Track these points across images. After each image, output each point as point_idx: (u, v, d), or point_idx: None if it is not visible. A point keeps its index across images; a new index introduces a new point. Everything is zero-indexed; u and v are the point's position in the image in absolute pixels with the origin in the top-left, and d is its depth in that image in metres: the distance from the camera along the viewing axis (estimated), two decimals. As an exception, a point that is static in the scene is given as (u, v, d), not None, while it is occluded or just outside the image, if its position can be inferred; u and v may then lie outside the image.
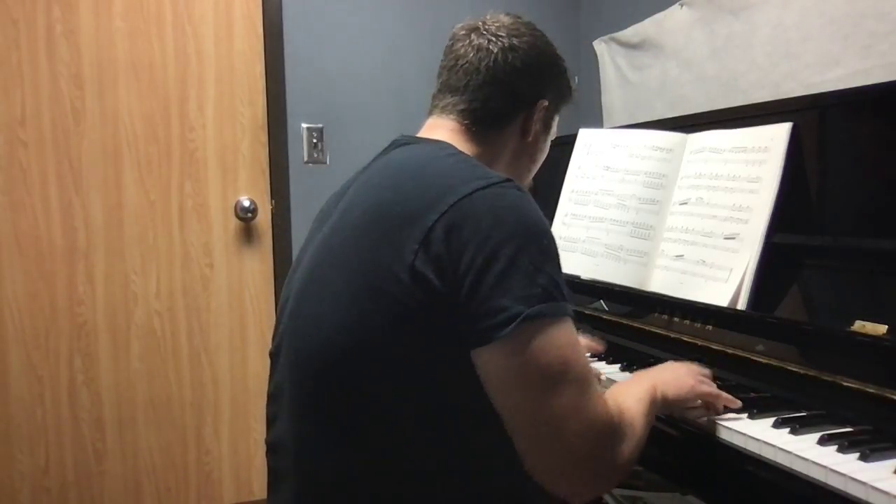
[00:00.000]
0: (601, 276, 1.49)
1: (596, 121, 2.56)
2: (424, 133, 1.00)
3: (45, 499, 2.15)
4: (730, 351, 1.16)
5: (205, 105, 2.27)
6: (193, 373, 2.30)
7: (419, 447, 0.84)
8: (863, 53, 1.56)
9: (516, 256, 0.75)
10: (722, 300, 1.19)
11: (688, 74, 2.13)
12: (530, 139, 1.02)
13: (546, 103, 1.01)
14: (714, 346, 1.20)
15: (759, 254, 1.17)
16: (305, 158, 2.40)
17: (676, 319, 1.30)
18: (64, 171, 2.13)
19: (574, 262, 1.56)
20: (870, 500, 0.76)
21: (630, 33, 2.39)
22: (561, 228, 1.63)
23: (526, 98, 0.99)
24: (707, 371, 1.05)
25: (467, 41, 0.99)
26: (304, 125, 2.39)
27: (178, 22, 2.22)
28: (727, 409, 1.00)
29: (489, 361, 0.77)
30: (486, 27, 0.99)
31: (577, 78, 1.12)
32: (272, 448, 0.98)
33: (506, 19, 1.01)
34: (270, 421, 0.98)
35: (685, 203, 1.35)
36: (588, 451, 0.77)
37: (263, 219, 2.35)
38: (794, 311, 1.11)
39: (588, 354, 1.33)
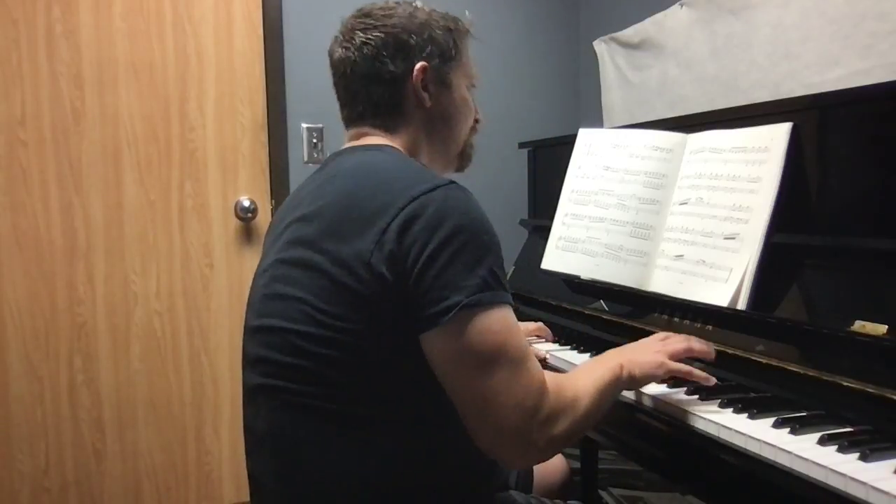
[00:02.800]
0: (601, 276, 1.49)
1: (596, 121, 2.57)
2: (355, 143, 1.06)
3: (45, 499, 2.15)
4: (730, 351, 1.16)
5: (205, 105, 2.27)
6: (193, 373, 2.30)
7: (391, 432, 0.90)
8: (863, 53, 1.56)
9: (458, 251, 0.84)
10: (722, 300, 1.19)
11: (688, 74, 2.13)
12: (430, 104, 1.04)
13: (422, 65, 1.03)
14: (714, 346, 1.20)
15: (759, 254, 1.17)
16: (305, 158, 2.40)
17: (676, 319, 1.31)
18: (64, 171, 2.13)
19: (574, 262, 1.56)
20: (870, 500, 0.76)
21: (630, 33, 2.39)
22: (561, 228, 1.63)
23: (400, 75, 1.02)
24: (680, 337, 1.09)
25: (335, 56, 1.07)
26: (304, 125, 2.39)
27: (178, 22, 2.22)
28: (705, 390, 1.05)
29: (434, 345, 0.85)
30: (345, 33, 1.06)
31: (466, 12, 1.12)
32: (251, 449, 1.03)
33: (370, 8, 1.06)
34: (248, 425, 1.02)
35: (685, 203, 1.35)
36: (516, 425, 0.84)
37: (263, 219, 2.35)
38: (794, 311, 1.11)
39: (537, 337, 1.49)
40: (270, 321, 0.95)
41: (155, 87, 2.22)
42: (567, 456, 1.44)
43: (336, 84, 1.08)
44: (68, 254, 2.15)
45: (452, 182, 0.90)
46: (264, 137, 2.35)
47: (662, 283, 1.35)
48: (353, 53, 1.03)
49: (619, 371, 0.98)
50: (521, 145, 2.14)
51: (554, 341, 1.50)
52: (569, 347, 1.46)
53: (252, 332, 1.00)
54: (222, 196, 2.31)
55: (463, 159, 1.15)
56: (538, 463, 0.92)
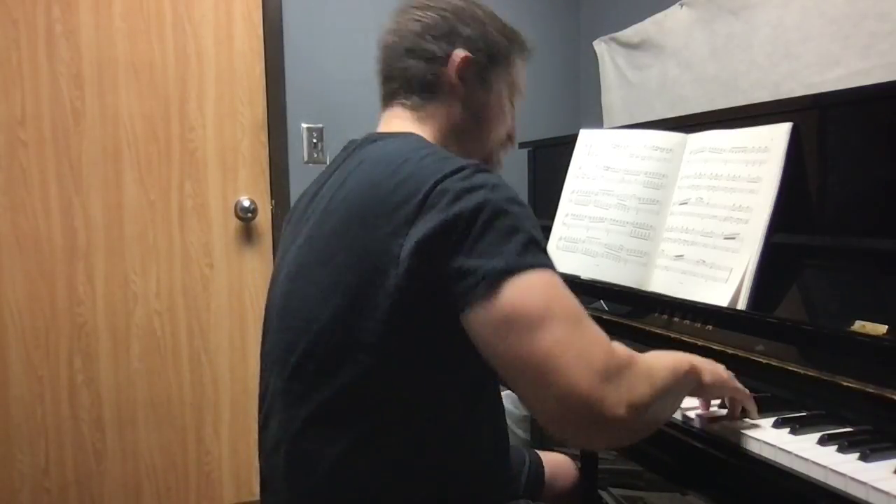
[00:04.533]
0: (601, 276, 1.49)
1: (596, 121, 2.57)
2: (384, 128, 1.03)
3: (45, 499, 2.15)
4: (730, 351, 1.16)
5: (205, 105, 2.27)
6: (193, 373, 2.30)
7: (404, 441, 0.87)
8: (863, 53, 1.56)
9: (490, 221, 0.78)
10: (722, 300, 1.19)
11: (688, 74, 2.13)
12: (462, 95, 1.01)
13: (464, 54, 1.00)
14: (714, 346, 1.20)
15: (759, 254, 1.17)
16: (305, 158, 2.40)
17: (676, 319, 1.30)
18: (64, 171, 2.13)
19: (574, 262, 1.56)
20: (870, 500, 0.76)
21: (630, 33, 2.39)
22: (561, 229, 1.63)
23: (440, 56, 1.00)
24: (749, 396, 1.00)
25: (384, 40, 1.05)
26: (304, 125, 2.39)
27: (178, 22, 2.22)
28: (744, 413, 0.98)
29: (476, 320, 0.77)
30: (399, 11, 1.04)
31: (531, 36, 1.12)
32: (264, 450, 0.99)
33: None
34: (262, 426, 1.00)
35: (685, 203, 1.35)
36: (588, 384, 0.72)
37: (263, 219, 2.35)
38: (794, 311, 1.11)
39: None
40: (292, 322, 0.91)
41: (155, 87, 2.22)
42: (571, 458, 1.43)
43: (380, 63, 1.05)
44: (68, 254, 2.15)
45: (477, 164, 0.85)
46: (264, 137, 2.35)
47: (662, 283, 1.35)
48: (402, 27, 1.02)
49: (690, 367, 0.89)
50: (521, 145, 2.14)
51: None
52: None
53: (273, 333, 0.97)
54: (222, 196, 2.31)
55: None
56: (623, 442, 0.78)
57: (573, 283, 1.60)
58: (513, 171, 2.44)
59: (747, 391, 0.97)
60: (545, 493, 1.29)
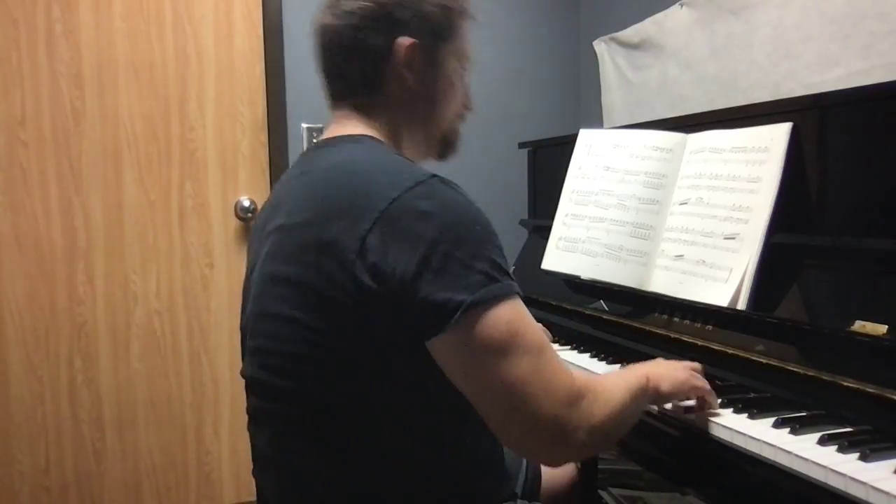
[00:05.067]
0: (601, 276, 1.49)
1: (596, 121, 2.57)
2: (335, 130, 0.99)
3: (45, 499, 2.15)
4: (730, 351, 1.16)
5: (205, 105, 2.27)
6: (193, 373, 2.30)
7: (394, 450, 0.87)
8: (863, 53, 1.56)
9: (450, 250, 0.78)
10: (722, 300, 1.19)
11: (688, 74, 2.13)
12: (414, 84, 0.97)
13: (408, 42, 0.95)
14: (714, 346, 1.20)
15: (759, 254, 1.17)
16: (305, 158, 2.40)
17: (676, 319, 1.31)
18: (64, 171, 2.13)
19: (574, 262, 1.56)
20: (870, 500, 0.76)
21: (630, 33, 2.39)
22: (561, 229, 1.63)
23: (382, 50, 0.95)
24: (699, 366, 1.08)
25: (318, 23, 0.98)
26: (304, 125, 2.39)
27: (178, 22, 2.22)
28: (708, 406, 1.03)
29: (444, 350, 0.80)
30: (333, 4, 0.97)
31: None
32: (256, 468, 1.02)
33: None
34: (254, 445, 1.02)
35: (685, 203, 1.35)
36: (552, 413, 0.79)
37: (263, 219, 2.35)
38: (794, 311, 1.11)
39: None
40: (263, 342, 0.91)
41: (155, 87, 2.22)
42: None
43: (317, 56, 1.00)
44: (68, 254, 2.15)
45: (434, 175, 0.84)
46: (264, 137, 2.35)
47: (662, 283, 1.35)
48: (339, 21, 0.95)
49: (646, 382, 0.95)
50: (521, 145, 2.14)
51: (554, 341, 1.50)
52: (569, 347, 1.46)
53: (248, 354, 0.97)
54: (222, 196, 2.31)
55: (446, 147, 1.07)
56: (582, 458, 0.86)
57: (573, 283, 1.61)
58: (513, 171, 2.44)
59: (706, 386, 1.03)
60: (543, 493, 1.29)
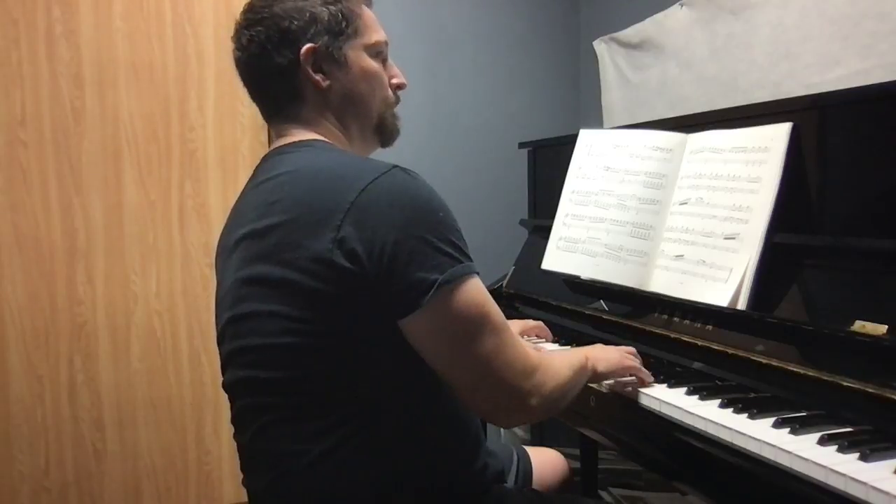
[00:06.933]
0: (601, 276, 1.49)
1: (596, 121, 2.57)
2: (283, 142, 1.03)
3: (45, 499, 2.15)
4: (730, 351, 1.16)
5: (205, 105, 2.27)
6: (193, 373, 2.30)
7: (382, 436, 0.91)
8: (863, 53, 1.57)
9: (420, 235, 0.86)
10: (722, 300, 1.19)
11: (688, 74, 2.14)
12: (327, 86, 1.01)
13: (308, 47, 0.98)
14: (714, 346, 1.20)
15: (759, 254, 1.17)
16: (305, 158, 2.40)
17: (676, 319, 1.31)
18: (64, 171, 2.13)
19: (574, 262, 1.56)
20: (870, 500, 0.76)
21: (630, 33, 2.39)
22: (561, 229, 1.63)
23: (288, 65, 0.99)
24: (633, 350, 1.20)
25: (235, 63, 1.04)
26: (304, 125, 2.39)
27: (178, 22, 2.22)
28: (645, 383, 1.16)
29: (417, 328, 0.87)
30: (235, 33, 1.03)
31: None
32: (246, 470, 1.01)
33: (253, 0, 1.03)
34: (241, 449, 1.01)
35: (685, 203, 1.35)
36: (513, 381, 0.90)
37: (263, 219, 2.35)
38: (794, 311, 1.11)
39: (536, 337, 1.53)
40: (245, 341, 0.93)
41: (155, 87, 2.22)
42: (567, 456, 1.43)
43: (245, 85, 1.06)
44: (68, 254, 2.15)
45: (395, 167, 0.90)
46: (264, 137, 2.35)
47: (662, 283, 1.35)
48: (243, 54, 1.01)
49: (585, 361, 1.07)
50: (521, 145, 2.14)
51: (554, 341, 1.50)
52: (569, 347, 1.46)
53: (228, 358, 0.98)
54: (222, 196, 2.31)
55: (384, 134, 1.09)
56: (533, 421, 0.99)
57: (573, 283, 1.61)
58: (513, 171, 2.44)
59: (636, 364, 1.16)
60: (535, 485, 1.30)
